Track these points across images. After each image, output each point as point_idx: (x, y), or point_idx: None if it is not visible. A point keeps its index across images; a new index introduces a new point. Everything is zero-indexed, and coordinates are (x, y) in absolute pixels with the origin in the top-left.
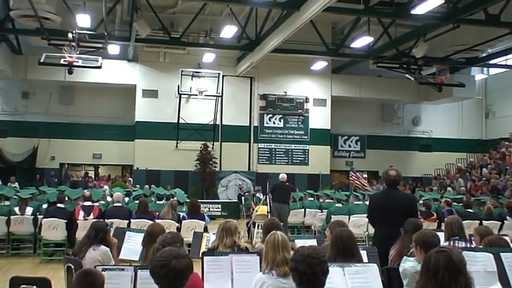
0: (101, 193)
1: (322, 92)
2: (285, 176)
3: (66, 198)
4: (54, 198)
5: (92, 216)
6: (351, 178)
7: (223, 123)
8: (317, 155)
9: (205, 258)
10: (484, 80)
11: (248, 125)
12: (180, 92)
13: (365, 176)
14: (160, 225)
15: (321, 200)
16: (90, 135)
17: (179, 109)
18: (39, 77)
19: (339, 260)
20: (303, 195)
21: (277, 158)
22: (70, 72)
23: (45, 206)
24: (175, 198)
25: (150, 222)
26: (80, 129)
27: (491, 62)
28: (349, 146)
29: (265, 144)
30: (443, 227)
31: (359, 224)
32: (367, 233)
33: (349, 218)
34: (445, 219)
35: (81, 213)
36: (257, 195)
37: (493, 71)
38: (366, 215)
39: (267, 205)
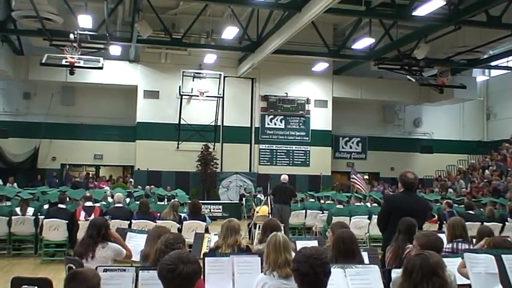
0: (102, 193)
1: (323, 93)
2: (287, 177)
3: (68, 199)
4: (56, 198)
5: (93, 216)
6: (351, 180)
7: (224, 124)
8: (318, 156)
9: (206, 259)
10: (485, 82)
11: (249, 126)
12: (181, 93)
13: (366, 177)
14: (166, 229)
15: (322, 201)
16: (91, 135)
17: (180, 110)
18: (40, 78)
19: (340, 261)
20: (304, 197)
21: (278, 159)
22: (71, 73)
23: (46, 206)
24: (176, 199)
25: (151, 222)
26: (81, 129)
27: (493, 63)
28: (350, 148)
29: (266, 145)
30: (444, 229)
31: (360, 226)
32: (368, 234)
33: (350, 220)
34: (448, 220)
35: (83, 213)
36: (258, 196)
37: (495, 72)
38: (377, 216)
39: (268, 206)
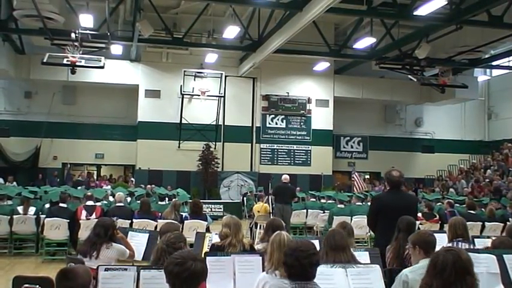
0: (103, 192)
1: (324, 93)
2: (288, 177)
3: (69, 198)
4: (57, 198)
5: (94, 216)
6: (352, 179)
7: (225, 124)
8: (319, 156)
9: (207, 258)
10: (486, 82)
11: (250, 125)
12: (182, 92)
13: (367, 177)
14: (175, 224)
15: (323, 201)
16: (92, 135)
17: (181, 109)
18: (41, 77)
19: (330, 255)
20: (305, 196)
21: (279, 158)
22: (73, 72)
23: (47, 205)
24: (177, 199)
25: (152, 222)
26: (83, 129)
27: (494, 63)
28: (352, 147)
29: (268, 145)
30: (445, 229)
31: (361, 225)
32: (369, 234)
33: (351, 219)
34: (449, 220)
35: (84, 213)
36: (259, 194)
37: (496, 72)
38: (366, 216)
39: (268, 205)
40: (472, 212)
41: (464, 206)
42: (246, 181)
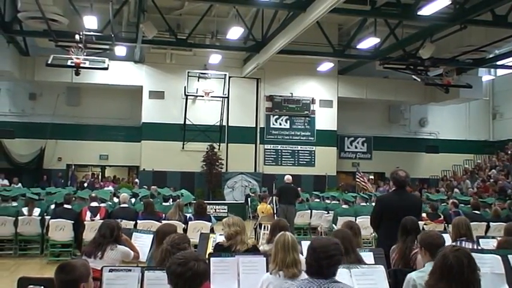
0: (108, 193)
1: (328, 93)
2: (290, 177)
3: (74, 199)
4: (62, 199)
5: (98, 217)
6: (357, 179)
7: (229, 125)
8: (323, 156)
9: (212, 259)
10: (491, 81)
11: (254, 126)
12: (186, 93)
13: (371, 177)
14: (172, 226)
15: (328, 201)
16: (96, 136)
17: (185, 110)
18: (46, 79)
19: None
20: (309, 197)
21: (283, 159)
22: (77, 74)
23: (52, 207)
24: (181, 200)
25: (157, 223)
26: (87, 130)
27: (499, 63)
28: (356, 147)
29: (272, 146)
30: (450, 229)
31: (366, 226)
32: (373, 234)
33: (355, 220)
34: (453, 220)
35: (88, 214)
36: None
37: (501, 72)
38: (370, 216)
39: (272, 205)
40: (476, 212)
41: (469, 206)
42: (250, 182)
